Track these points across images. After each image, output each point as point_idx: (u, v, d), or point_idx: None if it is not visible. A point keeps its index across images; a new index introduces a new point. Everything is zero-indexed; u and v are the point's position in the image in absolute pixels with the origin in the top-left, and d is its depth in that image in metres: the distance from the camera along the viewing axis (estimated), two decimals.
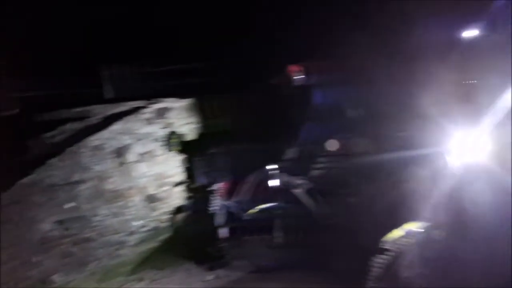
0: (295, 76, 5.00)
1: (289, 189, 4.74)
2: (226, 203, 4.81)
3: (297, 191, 4.75)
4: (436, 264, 3.12)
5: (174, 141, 5.17)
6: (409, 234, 3.24)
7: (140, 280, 5.08)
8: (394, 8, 4.63)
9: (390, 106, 4.23)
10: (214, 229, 4.78)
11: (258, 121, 5.70)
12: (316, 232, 4.60)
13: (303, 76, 5.00)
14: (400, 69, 4.29)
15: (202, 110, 6.29)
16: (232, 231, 4.80)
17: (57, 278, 5.81)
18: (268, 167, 4.75)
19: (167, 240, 5.83)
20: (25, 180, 5.88)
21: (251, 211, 4.71)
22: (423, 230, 3.21)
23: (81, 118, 6.95)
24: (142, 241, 5.87)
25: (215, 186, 4.80)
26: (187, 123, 6.16)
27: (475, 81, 3.64)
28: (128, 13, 7.60)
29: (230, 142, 5.19)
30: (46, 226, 5.91)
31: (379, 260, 3.23)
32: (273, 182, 4.67)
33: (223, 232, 4.75)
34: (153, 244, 5.83)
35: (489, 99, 3.07)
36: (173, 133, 5.22)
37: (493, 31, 3.50)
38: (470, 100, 3.50)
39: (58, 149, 6.13)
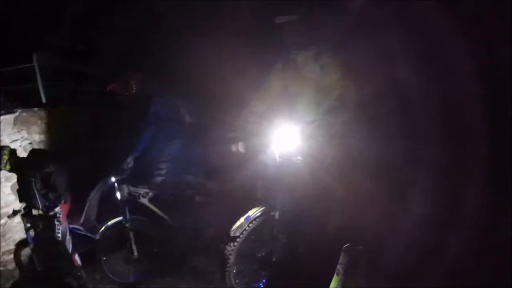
0: (132, 85, 4.93)
1: (133, 199, 4.74)
2: (72, 226, 4.48)
3: (142, 200, 4.80)
4: (279, 239, 3.76)
5: (5, 159, 4.37)
6: (248, 218, 3.73)
7: None
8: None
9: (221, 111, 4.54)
10: (66, 258, 4.42)
11: (94, 132, 5.41)
12: (170, 238, 4.77)
13: (140, 85, 4.97)
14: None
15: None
16: (86, 255, 4.53)
17: None
18: (108, 179, 4.63)
19: (15, 283, 5.08)
20: None
21: (101, 229, 4.54)
22: (260, 213, 3.75)
23: None
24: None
25: (57, 209, 4.40)
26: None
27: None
28: None
29: (65, 158, 4.79)
30: None
31: (230, 248, 3.67)
32: (116, 195, 4.59)
33: (76, 259, 4.44)
34: None
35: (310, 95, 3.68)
36: (3, 149, 4.41)
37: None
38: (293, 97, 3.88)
39: None
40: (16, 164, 4.44)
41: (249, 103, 3.90)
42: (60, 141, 5.72)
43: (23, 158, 4.59)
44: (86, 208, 4.62)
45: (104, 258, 4.63)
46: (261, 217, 3.74)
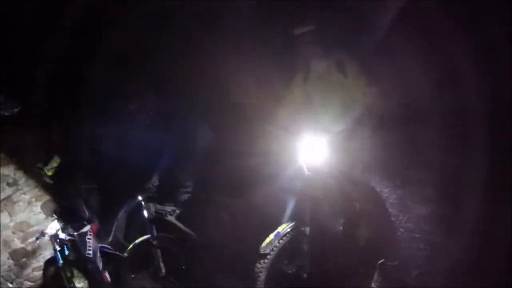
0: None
1: (160, 217, 4.74)
2: (100, 245, 4.49)
3: (169, 218, 4.79)
4: (309, 255, 3.66)
5: (52, 165, 4.47)
6: (278, 235, 3.65)
7: None
8: None
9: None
10: (96, 276, 4.43)
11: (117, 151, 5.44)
12: (197, 255, 4.72)
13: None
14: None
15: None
16: (114, 273, 4.52)
17: None
18: (134, 198, 4.65)
19: None
20: None
21: (128, 247, 4.54)
22: (290, 229, 3.68)
23: None
24: None
25: (87, 228, 4.43)
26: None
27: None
28: None
29: (90, 178, 4.84)
30: None
31: (260, 265, 3.59)
32: (143, 214, 4.60)
33: (106, 277, 4.43)
34: None
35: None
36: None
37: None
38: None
39: None
40: (60, 175, 4.56)
41: (274, 116, 3.87)
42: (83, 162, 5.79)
43: (69, 171, 4.67)
44: (114, 227, 4.64)
45: (132, 276, 4.63)
46: (291, 233, 3.65)
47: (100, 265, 4.39)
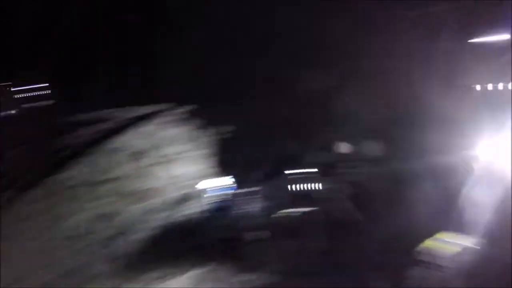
0: None
1: (324, 194, 4.69)
2: (257, 205, 4.74)
3: (333, 197, 4.69)
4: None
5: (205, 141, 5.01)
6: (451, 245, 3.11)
7: (164, 279, 4.95)
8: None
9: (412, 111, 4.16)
10: (242, 231, 4.71)
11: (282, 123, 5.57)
12: (350, 238, 4.51)
13: None
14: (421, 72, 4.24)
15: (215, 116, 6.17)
16: (264, 234, 4.72)
17: (81, 273, 5.87)
18: (301, 170, 4.69)
19: (192, 241, 5.72)
20: (48, 180, 5.96)
21: (284, 213, 4.65)
22: (478, 247, 3.08)
23: (98, 121, 6.98)
24: (165, 241, 5.85)
25: (248, 189, 4.72)
26: (206, 129, 6.09)
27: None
28: None
29: (256, 145, 5.10)
30: (70, 223, 5.98)
31: (418, 273, 3.16)
32: (306, 186, 4.61)
33: (254, 235, 4.65)
34: (176, 244, 5.78)
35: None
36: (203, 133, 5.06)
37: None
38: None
39: (76, 152, 6.22)
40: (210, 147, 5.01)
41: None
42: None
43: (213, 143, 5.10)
44: (274, 192, 4.80)
45: (278, 242, 4.66)
46: (473, 252, 3.04)
47: (251, 223, 4.62)
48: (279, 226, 4.71)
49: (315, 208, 4.69)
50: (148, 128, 6.01)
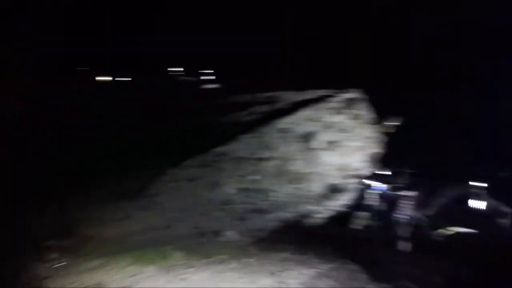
0: None
1: (493, 216, 3.99)
2: (413, 214, 4.30)
3: (504, 221, 3.98)
4: None
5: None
6: None
7: (287, 263, 5.00)
8: None
9: None
10: (392, 238, 4.35)
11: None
12: None
13: None
14: None
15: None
16: (415, 248, 4.24)
17: (229, 234, 6.51)
18: (472, 184, 4.06)
19: (327, 234, 5.59)
20: (216, 149, 6.68)
21: (441, 230, 4.12)
22: None
23: (270, 102, 7.41)
24: (312, 226, 5.86)
25: (407, 192, 4.33)
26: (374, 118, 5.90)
27: None
28: None
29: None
30: (229, 190, 6.61)
31: None
32: (477, 204, 3.97)
33: (404, 246, 4.23)
34: (311, 233, 5.74)
35: None
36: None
37: None
38: None
39: (248, 128, 6.74)
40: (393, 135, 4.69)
41: None
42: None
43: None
44: (435, 202, 4.32)
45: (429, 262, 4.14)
46: None
47: (401, 232, 4.23)
48: (429, 243, 4.12)
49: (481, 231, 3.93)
50: (318, 112, 6.05)
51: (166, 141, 7.08)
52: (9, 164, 5.94)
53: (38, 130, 6.73)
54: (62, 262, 4.90)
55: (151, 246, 5.85)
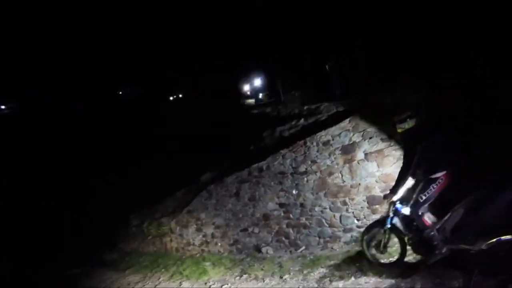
0: None
1: None
2: (464, 222, 4.00)
3: None
4: None
5: (403, 128, 4.56)
6: None
7: (342, 278, 4.87)
8: None
9: None
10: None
11: None
12: None
13: None
14: None
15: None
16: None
17: (268, 250, 6.50)
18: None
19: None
20: (257, 164, 6.79)
21: (490, 241, 3.76)
22: None
23: (311, 114, 7.40)
24: (354, 241, 5.74)
25: (438, 175, 4.12)
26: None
27: None
28: None
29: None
30: (269, 205, 6.69)
31: None
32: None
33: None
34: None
35: None
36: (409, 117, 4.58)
37: None
38: None
39: (289, 141, 6.76)
40: (406, 133, 4.48)
41: None
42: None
43: (412, 127, 4.48)
44: (447, 217, 4.03)
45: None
46: None
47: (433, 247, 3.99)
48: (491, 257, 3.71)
49: None
50: (359, 122, 5.91)
51: (206, 158, 7.33)
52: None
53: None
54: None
55: (189, 262, 6.01)
